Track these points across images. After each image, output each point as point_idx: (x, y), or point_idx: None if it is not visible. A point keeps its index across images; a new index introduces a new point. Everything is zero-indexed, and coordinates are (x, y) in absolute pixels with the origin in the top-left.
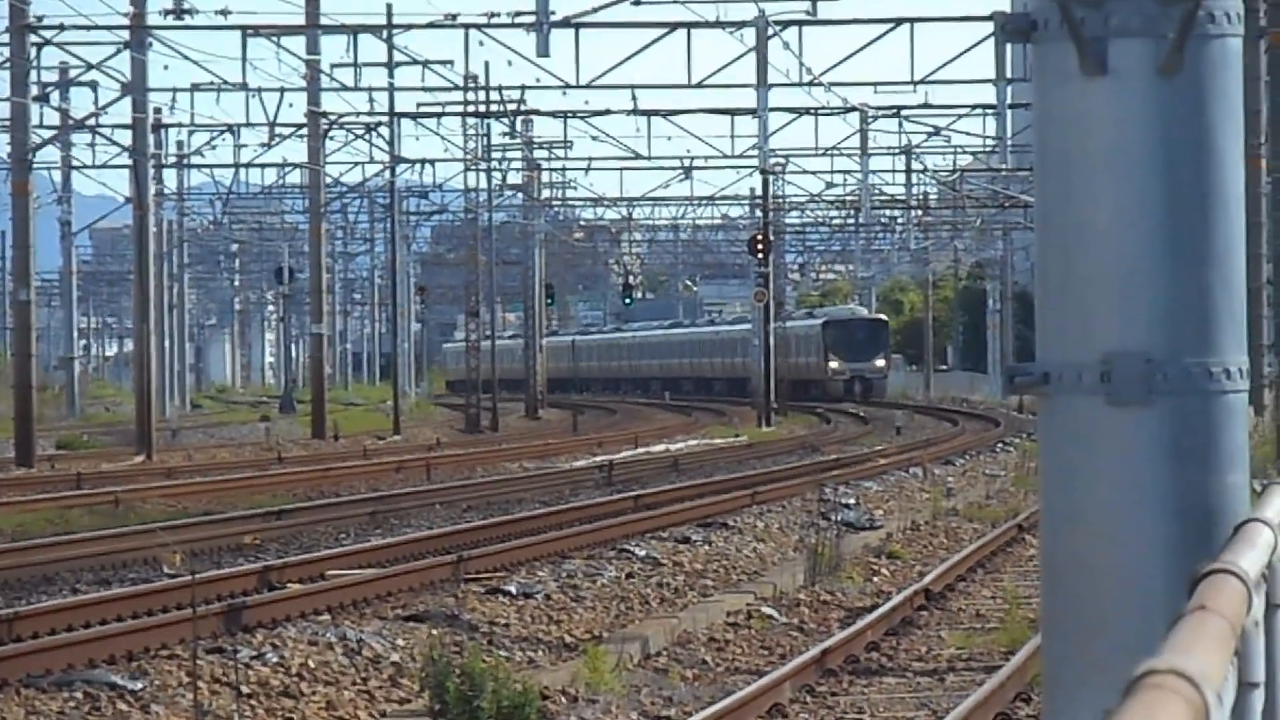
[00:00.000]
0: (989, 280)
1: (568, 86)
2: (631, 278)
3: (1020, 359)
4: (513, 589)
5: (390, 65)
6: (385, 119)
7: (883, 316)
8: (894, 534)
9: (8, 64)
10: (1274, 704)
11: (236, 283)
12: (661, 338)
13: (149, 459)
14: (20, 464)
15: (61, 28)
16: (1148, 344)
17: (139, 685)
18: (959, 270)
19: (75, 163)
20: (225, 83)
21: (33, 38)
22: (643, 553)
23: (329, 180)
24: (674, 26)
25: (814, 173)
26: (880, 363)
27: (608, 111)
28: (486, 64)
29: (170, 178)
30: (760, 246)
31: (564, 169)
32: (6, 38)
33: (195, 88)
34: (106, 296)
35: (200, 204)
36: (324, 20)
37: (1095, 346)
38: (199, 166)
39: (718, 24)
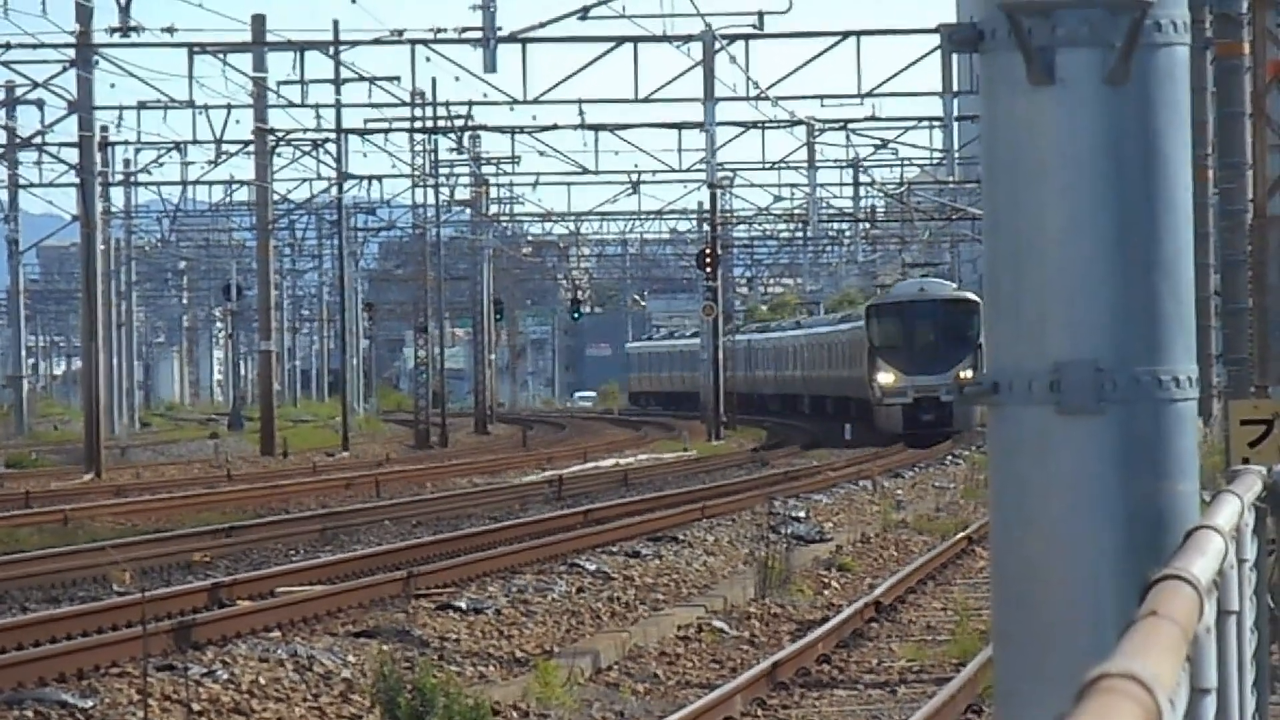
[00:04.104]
0: None
1: (515, 102)
2: (580, 292)
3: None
4: (463, 604)
5: (337, 82)
6: (332, 135)
7: (969, 295)
8: (844, 547)
9: None
10: (1226, 710)
11: (184, 300)
12: None
13: (98, 477)
14: None
15: (8, 46)
16: (1097, 352)
17: (90, 703)
18: None
19: (22, 181)
20: (172, 100)
21: None
22: (593, 567)
23: (276, 197)
24: (621, 41)
25: (762, 186)
26: (965, 373)
27: (555, 126)
28: (434, 80)
29: (117, 195)
30: (708, 260)
31: (512, 184)
32: None
33: (142, 105)
34: (54, 315)
35: (148, 221)
36: (270, 37)
37: (1045, 355)
38: (146, 184)
39: (664, 38)
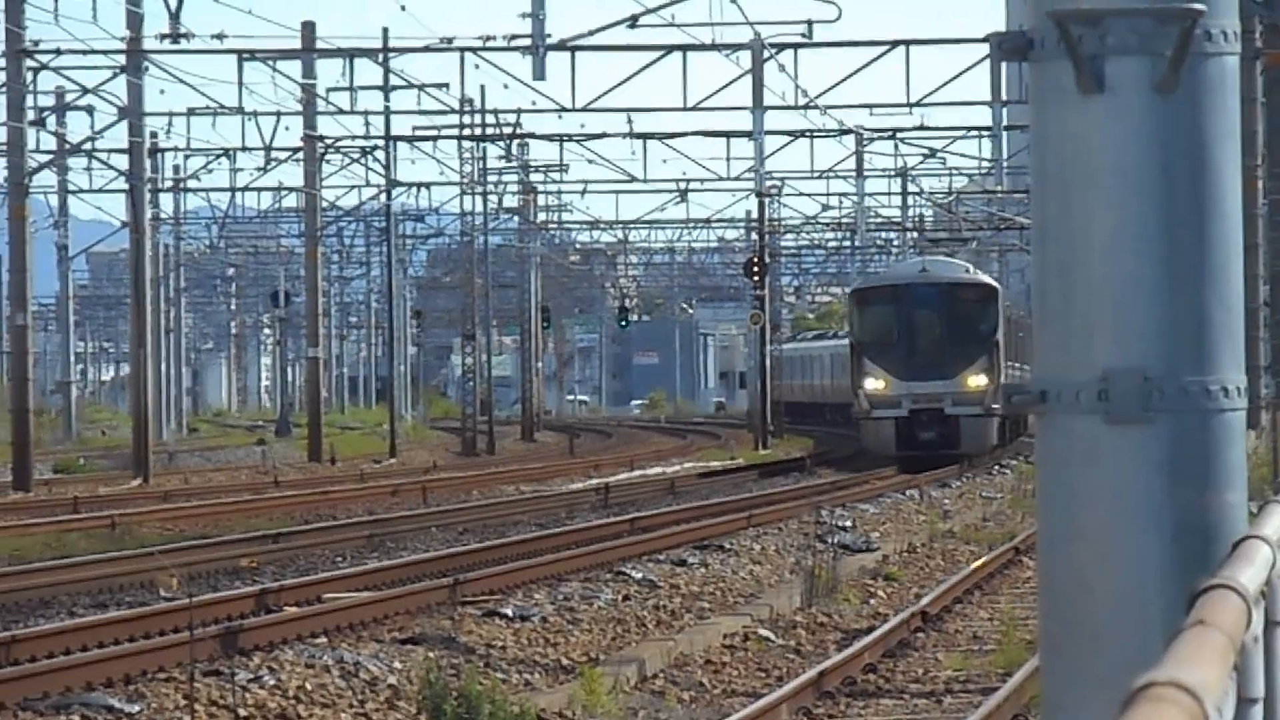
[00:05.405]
0: None
1: (564, 110)
2: (627, 301)
3: None
4: (509, 611)
5: (386, 89)
6: (381, 142)
7: (984, 278)
8: (891, 556)
9: (4, 89)
10: None
11: (233, 306)
12: None
13: (146, 483)
14: (17, 488)
15: (58, 52)
16: (1145, 362)
17: (136, 708)
18: None
19: (72, 187)
20: (221, 106)
21: (29, 62)
22: (639, 575)
23: (325, 204)
24: (670, 49)
25: (810, 195)
26: (978, 379)
27: (604, 134)
28: (482, 87)
29: (166, 201)
30: (756, 269)
31: (560, 192)
32: (3, 62)
33: (191, 112)
34: (103, 320)
35: (197, 228)
36: (320, 44)
37: (1093, 364)
38: (195, 190)
39: (714, 47)
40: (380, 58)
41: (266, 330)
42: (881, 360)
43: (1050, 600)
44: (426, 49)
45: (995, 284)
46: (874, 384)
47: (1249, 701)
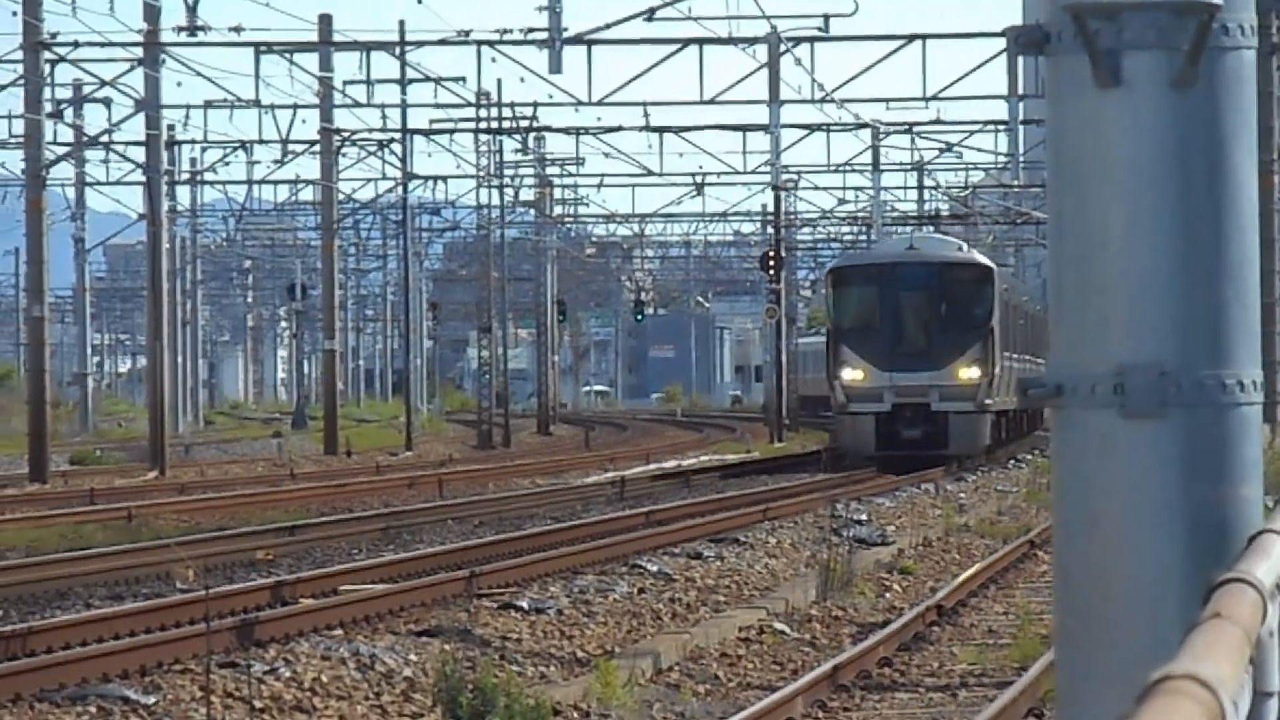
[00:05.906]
0: None
1: (580, 103)
2: (643, 294)
3: None
4: (525, 604)
5: (403, 82)
6: (398, 135)
7: (979, 258)
8: (906, 550)
9: (22, 81)
10: None
11: (249, 299)
12: None
13: (162, 475)
14: (34, 479)
15: (75, 45)
16: (1161, 356)
17: (152, 700)
18: None
19: (89, 179)
20: (238, 99)
21: (46, 55)
22: (655, 568)
23: (341, 197)
24: (686, 43)
25: (826, 189)
26: (969, 371)
27: (620, 128)
28: (499, 81)
29: (183, 194)
30: (772, 263)
31: (576, 185)
32: (20, 55)
33: (208, 104)
34: (120, 313)
35: (213, 220)
36: (337, 37)
37: (1109, 358)
38: (212, 183)
39: (730, 40)
40: (397, 51)
41: (283, 323)
42: (861, 348)
43: (1066, 594)
44: (443, 42)
45: (991, 264)
46: (852, 375)
47: (1264, 695)
